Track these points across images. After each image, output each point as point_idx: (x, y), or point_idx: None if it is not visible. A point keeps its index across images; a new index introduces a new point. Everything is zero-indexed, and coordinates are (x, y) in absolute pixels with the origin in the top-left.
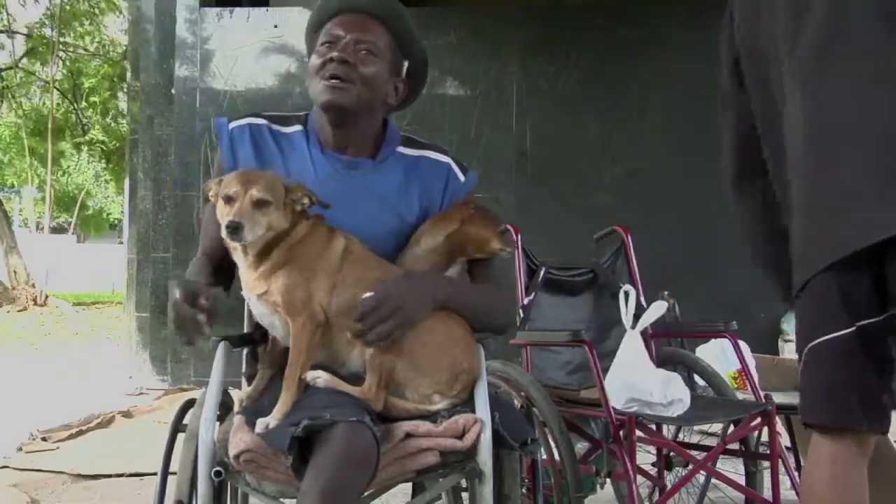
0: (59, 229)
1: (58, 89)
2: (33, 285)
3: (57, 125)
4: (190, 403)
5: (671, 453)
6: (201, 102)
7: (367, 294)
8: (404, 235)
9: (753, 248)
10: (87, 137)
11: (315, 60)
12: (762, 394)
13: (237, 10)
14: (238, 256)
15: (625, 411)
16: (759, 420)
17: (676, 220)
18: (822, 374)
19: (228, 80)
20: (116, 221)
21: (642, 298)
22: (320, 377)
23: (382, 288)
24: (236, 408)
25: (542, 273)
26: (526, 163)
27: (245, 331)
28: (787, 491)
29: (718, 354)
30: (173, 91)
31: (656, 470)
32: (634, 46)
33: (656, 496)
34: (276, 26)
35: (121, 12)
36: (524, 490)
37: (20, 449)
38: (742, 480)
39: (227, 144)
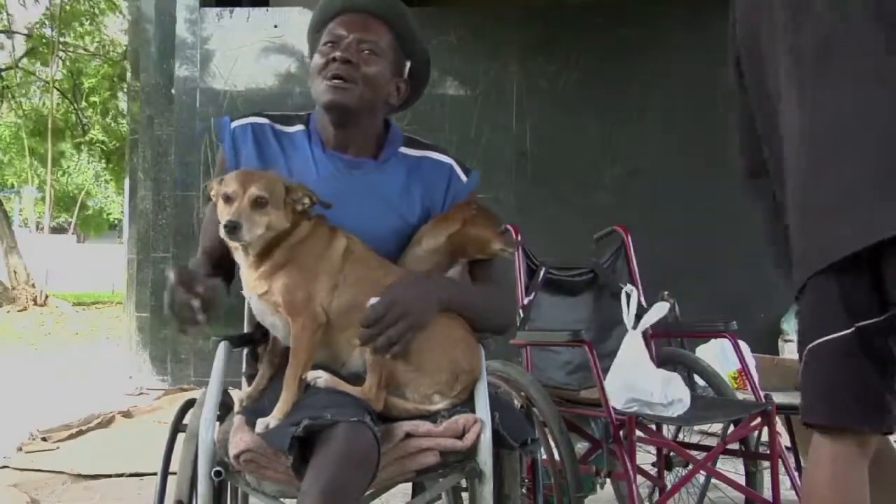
0: (59, 229)
1: (58, 89)
2: (33, 285)
3: (57, 125)
4: (190, 403)
5: (671, 453)
6: (201, 102)
7: (374, 299)
8: (406, 236)
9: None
10: (87, 137)
11: (317, 60)
12: (762, 394)
13: (237, 10)
14: (239, 256)
15: (625, 411)
16: (759, 420)
17: (676, 220)
18: (821, 375)
19: (228, 80)
20: (116, 221)
21: (642, 298)
22: (321, 377)
23: (389, 292)
24: (236, 408)
25: (542, 273)
26: (526, 163)
27: (245, 331)
28: (787, 491)
29: (718, 354)
30: (173, 91)
31: (656, 470)
32: (634, 46)
33: (656, 496)
34: (276, 26)
35: (121, 12)
36: (524, 490)
37: (20, 449)
38: (742, 480)
39: (229, 143)
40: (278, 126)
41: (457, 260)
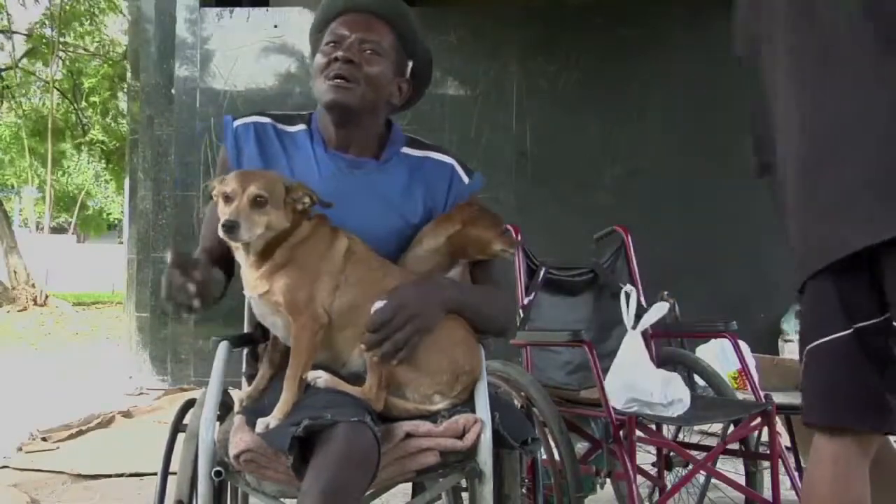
0: (59, 229)
1: (58, 89)
2: (33, 285)
3: (57, 125)
4: (190, 403)
5: (671, 453)
6: (201, 102)
7: (379, 303)
8: (407, 236)
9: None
10: (87, 137)
11: (319, 60)
12: (762, 394)
13: (237, 10)
14: (240, 256)
15: (625, 411)
16: (759, 420)
17: (676, 220)
18: (821, 375)
19: (228, 80)
20: (116, 221)
21: (642, 298)
22: (321, 377)
23: (395, 295)
24: (236, 408)
25: (542, 273)
26: (526, 163)
27: (245, 331)
28: (787, 491)
29: (718, 354)
30: (173, 91)
31: (656, 470)
32: (634, 46)
33: (656, 496)
34: (276, 26)
35: (121, 12)
36: (524, 490)
37: (20, 449)
38: (742, 480)
39: (231, 143)
40: (280, 125)
41: (457, 261)
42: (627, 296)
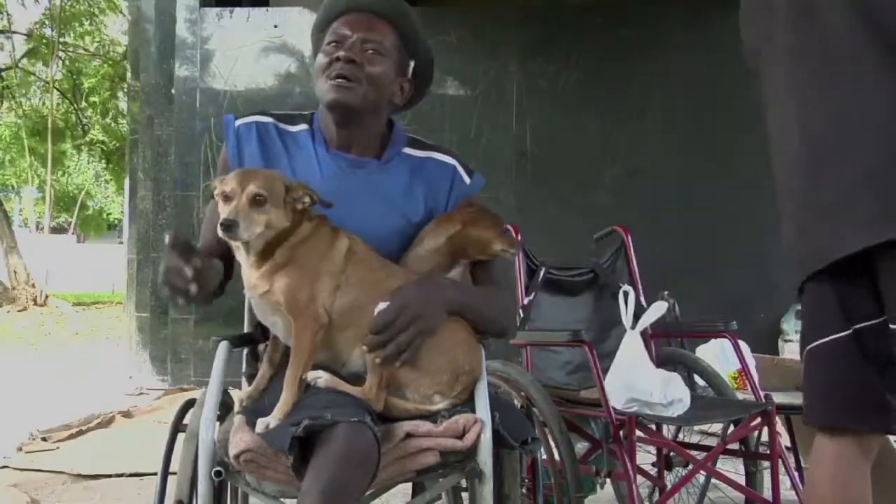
0: (59, 229)
1: (58, 89)
2: (33, 285)
3: (57, 125)
4: (190, 403)
5: (671, 453)
6: (201, 102)
7: (382, 304)
8: (408, 236)
9: None
10: (87, 138)
11: (321, 59)
12: (762, 394)
13: (237, 10)
14: (241, 255)
15: (625, 411)
16: (759, 420)
17: (676, 220)
18: (820, 376)
19: (228, 80)
20: (116, 221)
21: (642, 298)
22: (321, 377)
23: (398, 296)
24: (236, 408)
25: (542, 273)
26: (526, 163)
27: (245, 331)
28: (787, 491)
29: (718, 354)
30: (173, 91)
31: (656, 470)
32: (634, 46)
33: (656, 496)
34: (276, 26)
35: (121, 12)
36: (524, 490)
37: (20, 449)
38: (742, 480)
39: (233, 142)
40: (282, 125)
41: (458, 261)
42: (626, 295)
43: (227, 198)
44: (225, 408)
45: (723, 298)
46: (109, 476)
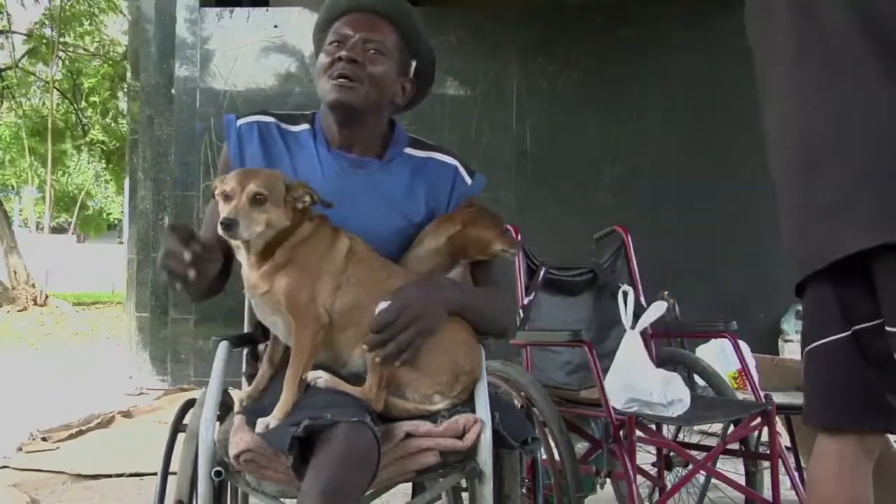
0: (59, 229)
1: (58, 89)
2: (33, 285)
3: (57, 125)
4: (190, 403)
5: (671, 453)
6: (201, 102)
7: (383, 303)
8: (409, 236)
9: None
10: (87, 138)
11: (323, 59)
12: (762, 394)
13: (237, 10)
14: (241, 255)
15: (625, 411)
16: (759, 420)
17: (676, 220)
18: (820, 377)
19: (228, 80)
20: (116, 221)
21: (642, 298)
22: (321, 377)
23: (399, 295)
24: (236, 408)
25: (542, 273)
26: (526, 163)
27: (245, 331)
28: (787, 491)
29: (718, 354)
30: (173, 91)
31: (656, 470)
32: (634, 46)
33: (656, 496)
34: (276, 26)
35: (121, 12)
36: (524, 490)
37: (20, 449)
38: (742, 480)
39: (234, 142)
40: (284, 125)
41: (458, 261)
42: (626, 295)
43: (227, 197)
44: (225, 408)
45: (722, 298)
46: (109, 476)
